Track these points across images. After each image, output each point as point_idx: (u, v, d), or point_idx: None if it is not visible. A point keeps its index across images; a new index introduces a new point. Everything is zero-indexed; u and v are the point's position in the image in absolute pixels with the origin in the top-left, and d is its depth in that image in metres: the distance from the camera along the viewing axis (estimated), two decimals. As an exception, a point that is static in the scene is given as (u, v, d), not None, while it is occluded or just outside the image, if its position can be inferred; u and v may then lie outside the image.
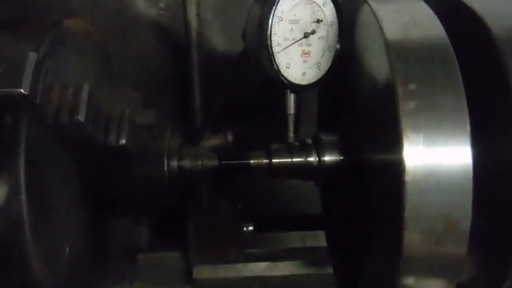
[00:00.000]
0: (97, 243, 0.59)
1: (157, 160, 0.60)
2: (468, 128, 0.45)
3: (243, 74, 0.73)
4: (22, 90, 0.41)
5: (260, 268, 1.06)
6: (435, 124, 0.44)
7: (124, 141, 0.53)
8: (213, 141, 0.93)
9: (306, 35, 0.58)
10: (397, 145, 0.44)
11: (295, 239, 1.11)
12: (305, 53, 0.59)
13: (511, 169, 0.46)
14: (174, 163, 0.62)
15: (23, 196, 0.43)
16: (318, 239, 1.03)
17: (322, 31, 0.60)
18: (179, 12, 0.86)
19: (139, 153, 0.59)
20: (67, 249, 0.52)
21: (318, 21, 0.59)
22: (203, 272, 1.04)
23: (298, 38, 0.58)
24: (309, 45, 0.59)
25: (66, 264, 0.52)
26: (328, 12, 0.60)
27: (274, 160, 0.64)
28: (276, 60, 0.57)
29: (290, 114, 0.63)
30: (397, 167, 0.44)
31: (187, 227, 0.99)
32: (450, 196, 0.44)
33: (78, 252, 0.54)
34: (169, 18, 0.95)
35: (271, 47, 0.56)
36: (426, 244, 0.45)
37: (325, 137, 0.64)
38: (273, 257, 1.07)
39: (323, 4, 0.59)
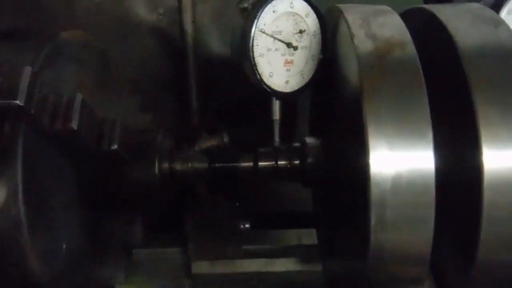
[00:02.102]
0: (92, 240, 0.63)
1: (149, 162, 0.64)
2: (430, 135, 0.47)
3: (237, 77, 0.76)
4: (18, 102, 0.45)
5: (257, 264, 1.09)
6: (399, 132, 0.47)
7: (116, 146, 0.57)
8: (210, 142, 0.97)
9: (288, 45, 0.61)
10: (363, 151, 0.47)
11: (292, 236, 1.14)
12: (288, 62, 0.62)
13: (471, 176, 0.49)
14: (165, 166, 0.66)
15: (21, 198, 0.47)
16: (314, 237, 1.06)
17: (305, 41, 0.63)
18: (177, 17, 0.89)
19: (132, 156, 0.62)
20: (64, 246, 0.56)
21: (301, 31, 0.62)
22: (201, 267, 1.08)
23: (281, 49, 0.61)
24: (292, 54, 0.62)
25: (62, 259, 0.56)
26: (311, 23, 0.62)
27: (260, 163, 0.67)
28: (259, 69, 0.60)
29: (276, 119, 0.66)
30: (363, 171, 0.47)
31: (185, 224, 1.04)
32: (413, 199, 0.47)
33: (74, 248, 0.58)
34: (167, 23, 0.98)
35: (253, 58, 0.59)
36: (392, 243, 0.48)
37: (310, 141, 0.67)
38: (270, 254, 1.10)
39: (306, 16, 0.62)
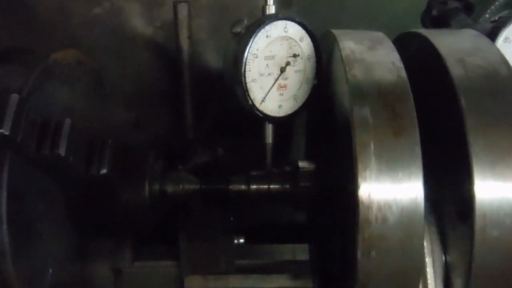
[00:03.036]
0: (80, 262, 0.63)
1: (139, 185, 0.63)
2: (420, 166, 0.47)
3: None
4: (3, 131, 0.44)
5: (250, 279, 1.09)
6: (389, 162, 0.47)
7: (105, 170, 0.56)
8: (204, 157, 0.97)
9: (282, 70, 0.61)
10: (352, 180, 0.47)
11: (286, 252, 1.13)
12: (281, 87, 0.62)
13: (463, 208, 0.48)
14: (156, 188, 0.65)
15: (5, 226, 0.47)
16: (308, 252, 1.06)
17: (299, 64, 0.62)
18: (174, 31, 0.89)
19: (122, 178, 0.62)
20: (51, 271, 0.55)
21: (294, 55, 0.61)
22: (194, 282, 1.07)
23: (274, 73, 0.60)
24: (286, 78, 0.62)
25: (48, 285, 0.55)
26: (305, 46, 0.62)
27: (252, 187, 0.66)
28: (251, 95, 0.59)
29: (268, 143, 0.66)
30: (353, 201, 0.47)
31: (179, 238, 1.03)
32: (402, 229, 0.47)
33: (61, 272, 0.58)
34: (164, 36, 0.98)
35: (245, 83, 0.58)
36: (380, 274, 0.48)
37: (302, 165, 0.67)
38: (263, 269, 1.09)
39: (300, 40, 0.61)
